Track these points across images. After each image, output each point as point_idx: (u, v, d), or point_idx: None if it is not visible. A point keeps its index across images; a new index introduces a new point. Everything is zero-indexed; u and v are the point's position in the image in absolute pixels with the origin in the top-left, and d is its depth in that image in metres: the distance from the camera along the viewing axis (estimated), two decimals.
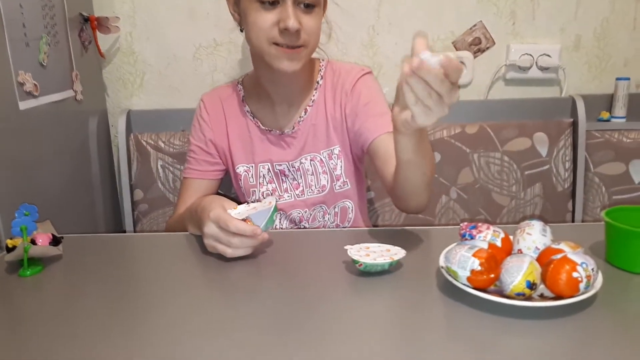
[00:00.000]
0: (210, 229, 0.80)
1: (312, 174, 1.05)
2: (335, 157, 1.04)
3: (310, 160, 1.05)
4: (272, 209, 0.80)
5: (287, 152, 1.05)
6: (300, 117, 1.04)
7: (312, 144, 1.04)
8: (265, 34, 0.90)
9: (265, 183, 1.06)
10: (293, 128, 1.04)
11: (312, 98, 1.04)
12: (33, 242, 0.80)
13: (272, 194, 1.06)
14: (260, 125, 1.05)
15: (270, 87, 1.02)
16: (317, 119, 1.04)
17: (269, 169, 1.06)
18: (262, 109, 1.06)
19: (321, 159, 1.05)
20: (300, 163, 1.05)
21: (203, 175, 1.09)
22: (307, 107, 1.04)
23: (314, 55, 1.01)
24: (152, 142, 1.40)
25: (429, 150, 0.82)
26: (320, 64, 1.07)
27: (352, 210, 1.08)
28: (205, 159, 1.09)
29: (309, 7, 0.90)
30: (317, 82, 1.05)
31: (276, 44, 0.91)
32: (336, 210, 1.07)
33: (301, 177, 1.06)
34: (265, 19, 0.89)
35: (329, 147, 1.04)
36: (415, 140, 0.75)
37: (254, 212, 0.81)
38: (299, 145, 1.05)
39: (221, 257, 0.82)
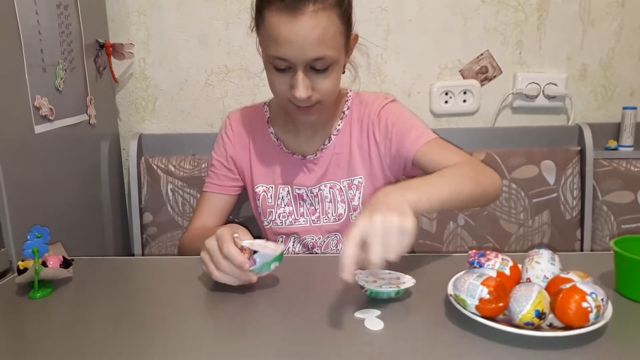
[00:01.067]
0: (209, 242, 0.79)
1: (330, 202, 1.05)
2: (354, 188, 1.04)
3: (330, 188, 1.05)
4: (275, 256, 0.79)
5: (307, 178, 1.06)
6: (324, 144, 1.05)
7: (333, 172, 1.05)
8: (280, 93, 0.92)
9: (283, 205, 1.07)
10: (315, 154, 1.05)
11: (338, 127, 1.05)
12: (44, 264, 0.81)
13: (288, 217, 1.07)
14: (283, 148, 1.06)
15: (294, 118, 1.03)
16: (341, 148, 1.04)
17: (288, 191, 1.07)
18: (286, 133, 1.07)
19: (340, 188, 1.04)
20: (319, 190, 1.05)
21: (222, 190, 1.10)
22: (332, 136, 1.05)
23: (350, 81, 1.02)
24: (163, 166, 1.42)
25: (444, 189, 0.82)
26: (348, 95, 1.08)
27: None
28: (225, 174, 1.10)
29: (322, 70, 0.89)
30: (343, 112, 1.06)
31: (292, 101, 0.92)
32: None
33: (319, 203, 1.06)
34: (280, 82, 0.90)
35: (349, 177, 1.04)
36: (422, 211, 0.77)
37: (263, 251, 0.80)
38: (320, 172, 1.05)
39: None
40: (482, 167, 0.96)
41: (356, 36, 0.96)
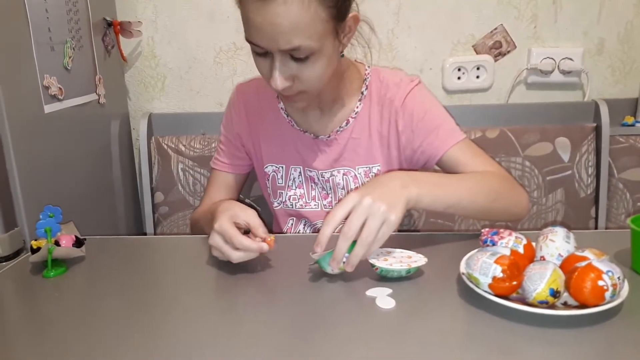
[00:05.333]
0: (214, 240, 0.78)
1: (343, 188, 1.00)
2: (372, 176, 0.99)
3: (344, 174, 0.99)
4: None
5: (319, 160, 1.00)
6: (340, 127, 0.98)
7: (349, 157, 0.99)
8: (264, 78, 0.84)
9: (294, 187, 1.03)
10: (329, 136, 0.98)
11: (355, 110, 0.97)
12: (57, 243, 0.82)
13: (299, 199, 1.03)
14: (294, 125, 1.00)
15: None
16: (359, 133, 0.98)
17: (300, 172, 1.02)
18: (295, 109, 1.00)
19: (355, 175, 0.99)
20: (332, 175, 1.00)
21: (229, 168, 1.07)
22: (350, 119, 0.97)
23: (358, 57, 0.95)
24: (173, 146, 1.42)
25: (456, 193, 0.82)
26: (366, 73, 0.99)
27: None
28: (232, 152, 1.07)
29: (301, 59, 0.79)
30: (362, 93, 0.98)
31: None
32: None
33: (331, 188, 1.01)
34: (261, 65, 0.83)
35: (367, 164, 0.99)
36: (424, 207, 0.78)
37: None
38: (333, 156, 0.99)
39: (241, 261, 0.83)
40: (509, 184, 0.91)
41: (355, 16, 0.85)
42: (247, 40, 0.81)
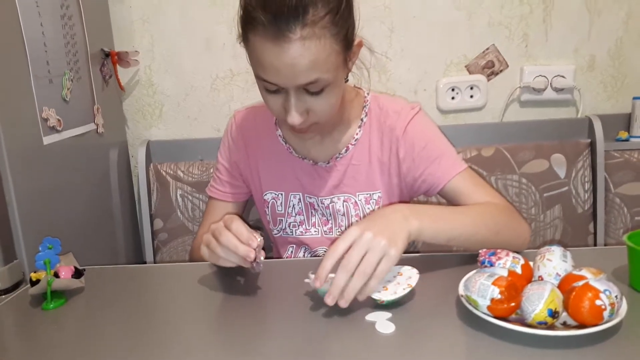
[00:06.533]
0: (206, 236, 0.81)
1: (344, 215, 1.00)
2: (373, 203, 0.98)
3: (344, 201, 0.99)
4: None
5: (318, 186, 0.99)
6: (339, 153, 0.98)
7: (349, 184, 0.98)
8: (275, 113, 0.86)
9: (293, 214, 1.02)
10: (328, 162, 0.98)
11: (355, 136, 0.97)
12: (56, 275, 0.82)
13: (299, 226, 1.02)
14: (293, 152, 1.00)
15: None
16: (359, 160, 0.98)
17: (300, 199, 1.01)
18: (294, 136, 1.00)
19: (356, 202, 0.99)
20: (332, 202, 0.99)
21: (225, 197, 1.07)
22: (350, 145, 0.97)
23: (357, 81, 0.96)
24: (172, 172, 1.43)
25: (459, 226, 0.82)
26: (365, 99, 0.99)
27: None
28: (228, 180, 1.06)
29: (316, 92, 0.81)
30: (362, 120, 0.98)
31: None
32: None
33: (331, 215, 1.01)
34: (272, 102, 0.84)
35: (368, 191, 0.98)
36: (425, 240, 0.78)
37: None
38: (333, 182, 0.99)
39: (240, 288, 0.83)
40: (512, 217, 0.91)
41: (360, 42, 0.86)
42: (258, 77, 0.81)
